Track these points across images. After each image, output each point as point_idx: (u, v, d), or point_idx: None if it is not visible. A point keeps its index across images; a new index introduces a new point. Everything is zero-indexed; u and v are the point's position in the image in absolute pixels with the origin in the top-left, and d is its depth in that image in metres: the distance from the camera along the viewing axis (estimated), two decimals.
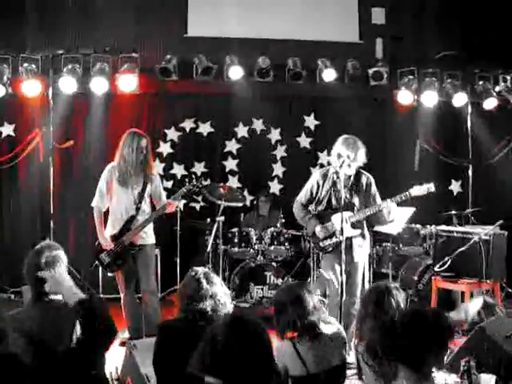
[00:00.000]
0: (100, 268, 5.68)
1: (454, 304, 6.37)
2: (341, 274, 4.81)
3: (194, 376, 2.12)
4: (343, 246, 4.77)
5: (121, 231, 5.41)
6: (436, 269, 6.03)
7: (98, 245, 5.47)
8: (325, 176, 5.21)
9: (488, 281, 5.88)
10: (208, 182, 7.98)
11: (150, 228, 5.55)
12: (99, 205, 5.50)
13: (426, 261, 6.94)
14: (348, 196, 5.11)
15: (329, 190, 5.15)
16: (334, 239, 5.12)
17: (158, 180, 5.71)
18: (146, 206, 5.53)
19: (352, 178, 5.15)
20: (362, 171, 5.26)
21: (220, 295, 3.24)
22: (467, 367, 3.30)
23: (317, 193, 5.23)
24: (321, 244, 5.22)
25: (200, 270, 3.33)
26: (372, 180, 5.25)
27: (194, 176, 5.63)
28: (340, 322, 4.49)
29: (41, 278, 3.07)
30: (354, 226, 5.12)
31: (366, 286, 5.40)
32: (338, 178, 5.03)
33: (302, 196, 5.29)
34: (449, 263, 5.76)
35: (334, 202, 5.14)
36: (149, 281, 5.47)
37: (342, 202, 4.81)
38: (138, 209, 5.42)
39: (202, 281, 3.23)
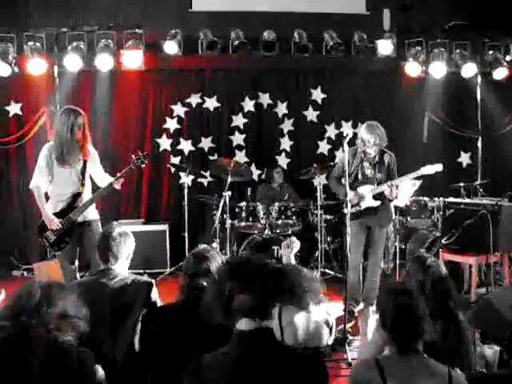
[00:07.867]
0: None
1: (461, 277, 6.37)
2: (342, 247, 5.13)
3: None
4: (348, 217, 5.02)
5: (66, 209, 5.13)
6: (443, 241, 6.02)
7: (41, 223, 5.16)
8: (354, 154, 5.82)
9: (496, 253, 5.83)
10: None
11: (92, 205, 5.29)
12: (40, 185, 5.14)
13: (434, 233, 6.90)
14: (372, 172, 5.79)
15: (356, 167, 5.80)
16: (358, 207, 5.81)
17: (96, 157, 5.35)
18: (89, 183, 5.31)
19: (377, 157, 5.77)
20: (386, 151, 5.81)
21: None
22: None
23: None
24: (344, 211, 5.49)
25: (202, 247, 3.31)
26: (394, 159, 5.82)
27: (140, 153, 5.29)
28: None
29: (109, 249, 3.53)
30: (375, 197, 5.77)
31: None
32: (364, 156, 5.73)
33: (336, 171, 6.01)
34: (456, 236, 5.74)
35: (360, 176, 5.83)
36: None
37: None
38: (82, 185, 5.16)
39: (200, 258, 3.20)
